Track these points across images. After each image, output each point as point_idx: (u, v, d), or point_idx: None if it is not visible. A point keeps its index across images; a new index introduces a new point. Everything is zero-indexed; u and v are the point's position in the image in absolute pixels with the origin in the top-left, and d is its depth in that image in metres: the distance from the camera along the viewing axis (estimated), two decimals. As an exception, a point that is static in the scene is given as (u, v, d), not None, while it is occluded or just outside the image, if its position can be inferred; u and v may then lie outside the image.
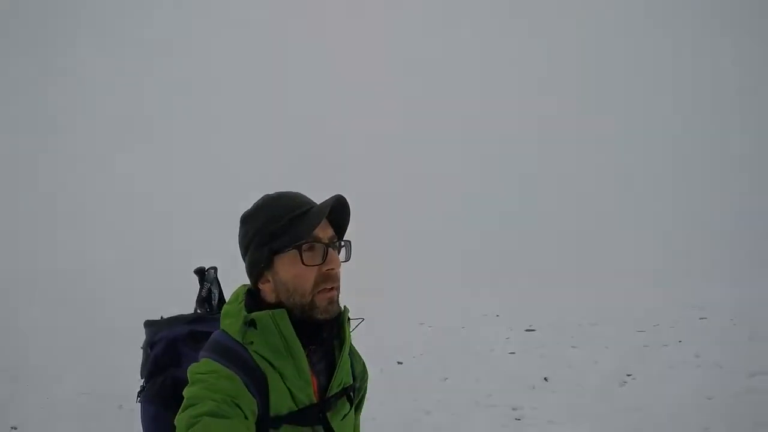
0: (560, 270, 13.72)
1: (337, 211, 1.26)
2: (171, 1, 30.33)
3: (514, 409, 6.19)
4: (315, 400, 1.23)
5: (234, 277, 1.42)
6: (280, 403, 1.18)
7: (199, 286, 1.47)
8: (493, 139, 22.68)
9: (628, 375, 6.91)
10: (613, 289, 11.88)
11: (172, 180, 21.10)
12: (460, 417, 6.06)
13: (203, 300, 1.47)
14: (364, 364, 1.45)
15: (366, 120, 24.40)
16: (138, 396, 1.40)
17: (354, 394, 1.36)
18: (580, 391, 6.50)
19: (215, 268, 1.50)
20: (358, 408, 1.44)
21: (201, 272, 1.50)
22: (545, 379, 7.06)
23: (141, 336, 1.53)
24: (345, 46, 27.66)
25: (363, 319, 1.36)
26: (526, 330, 9.43)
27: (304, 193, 1.31)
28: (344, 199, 1.25)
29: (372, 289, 9.94)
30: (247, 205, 1.30)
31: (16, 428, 6.33)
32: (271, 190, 1.30)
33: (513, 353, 8.33)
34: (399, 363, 8.36)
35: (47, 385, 7.64)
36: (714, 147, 20.49)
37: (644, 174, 20.80)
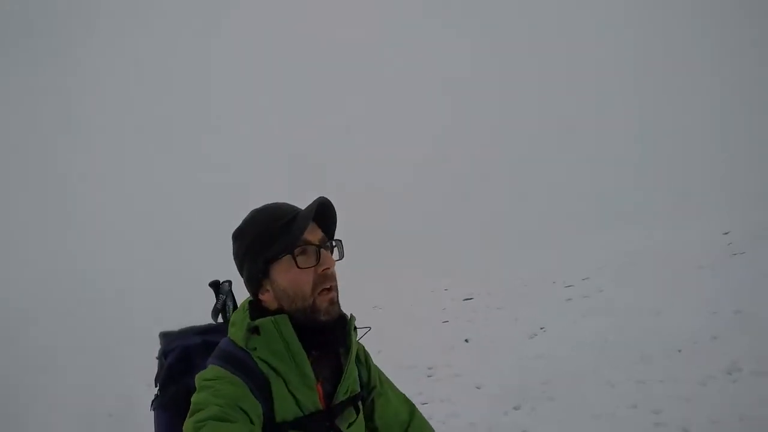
0: (506, 235, 14.20)
1: (323, 213, 1.30)
2: (168, 4, 30.01)
3: (429, 368, 6.72)
4: (321, 407, 1.25)
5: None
6: (285, 409, 1.21)
7: (215, 299, 1.55)
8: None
9: (541, 328, 7.41)
10: (552, 246, 12.34)
11: (170, 185, 20.94)
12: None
13: (218, 311, 1.52)
14: (370, 369, 1.45)
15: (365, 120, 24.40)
16: (152, 403, 1.43)
17: (362, 403, 1.38)
18: (492, 347, 7.01)
19: (230, 282, 1.56)
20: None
21: (216, 285, 1.54)
22: (466, 340, 7.57)
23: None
24: (343, 46, 27.57)
25: (370, 328, 1.40)
26: (464, 299, 9.94)
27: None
28: (328, 200, 1.29)
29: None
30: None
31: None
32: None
33: (446, 322, 8.84)
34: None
35: (41, 398, 8.04)
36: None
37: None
